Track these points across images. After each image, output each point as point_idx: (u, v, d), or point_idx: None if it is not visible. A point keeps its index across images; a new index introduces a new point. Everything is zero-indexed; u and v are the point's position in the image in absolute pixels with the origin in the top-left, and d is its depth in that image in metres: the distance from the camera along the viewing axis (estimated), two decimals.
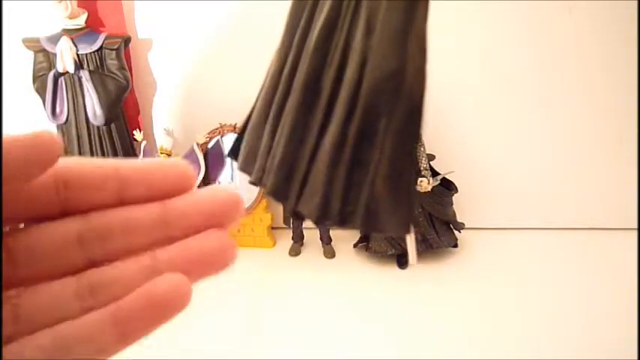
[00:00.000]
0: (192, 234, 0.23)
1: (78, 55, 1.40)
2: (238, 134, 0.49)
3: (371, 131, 0.39)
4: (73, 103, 1.42)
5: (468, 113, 1.51)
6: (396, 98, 0.39)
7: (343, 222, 0.40)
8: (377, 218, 0.39)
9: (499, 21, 1.44)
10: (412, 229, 0.42)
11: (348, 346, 1.09)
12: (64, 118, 1.43)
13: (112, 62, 1.43)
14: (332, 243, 1.52)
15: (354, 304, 1.25)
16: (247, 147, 0.47)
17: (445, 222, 1.41)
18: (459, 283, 1.29)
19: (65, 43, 1.37)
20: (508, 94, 1.48)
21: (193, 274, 0.24)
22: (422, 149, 1.38)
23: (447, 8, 1.43)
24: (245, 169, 0.47)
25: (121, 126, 1.49)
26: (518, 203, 1.55)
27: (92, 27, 1.44)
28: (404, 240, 1.39)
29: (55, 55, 1.38)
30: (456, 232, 1.43)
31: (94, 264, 0.21)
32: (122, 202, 0.22)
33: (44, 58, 1.42)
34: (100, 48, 1.41)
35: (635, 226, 1.49)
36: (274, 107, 0.45)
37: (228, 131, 1.55)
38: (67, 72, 1.39)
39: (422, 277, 1.35)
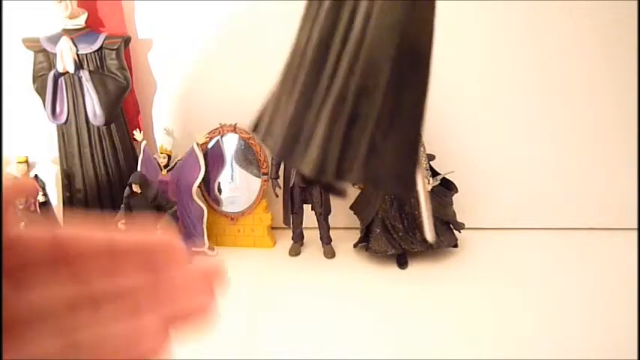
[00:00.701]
0: (179, 301, 0.25)
1: (78, 55, 1.40)
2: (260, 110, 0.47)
3: (371, 86, 0.37)
4: (73, 103, 1.42)
5: (468, 114, 1.51)
6: (398, 49, 0.36)
7: (339, 177, 0.38)
8: (376, 174, 0.38)
9: (499, 22, 1.44)
10: (425, 195, 0.40)
11: (348, 346, 1.09)
12: (64, 118, 1.43)
13: (112, 62, 1.43)
14: (332, 243, 1.52)
15: (354, 304, 1.25)
16: (267, 116, 0.46)
17: (445, 222, 1.41)
18: (459, 283, 1.29)
19: (65, 43, 1.37)
20: (508, 95, 1.48)
21: (175, 333, 0.25)
22: (422, 149, 1.38)
23: (447, 9, 1.43)
24: (264, 139, 0.46)
25: (121, 126, 1.49)
26: (518, 203, 1.56)
27: (92, 27, 1.44)
28: (404, 240, 1.39)
29: (55, 55, 1.38)
30: (455, 232, 1.43)
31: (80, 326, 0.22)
32: (114, 272, 0.23)
33: (44, 58, 1.42)
34: (100, 48, 1.41)
35: (635, 226, 1.49)
36: (291, 74, 0.44)
37: (228, 131, 1.55)
38: (67, 72, 1.39)
39: (422, 277, 1.35)
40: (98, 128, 1.44)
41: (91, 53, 1.41)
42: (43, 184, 1.43)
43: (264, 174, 1.54)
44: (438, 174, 1.40)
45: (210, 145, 1.57)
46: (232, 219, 1.59)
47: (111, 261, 0.24)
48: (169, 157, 1.49)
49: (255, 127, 0.45)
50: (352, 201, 1.50)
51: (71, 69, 1.38)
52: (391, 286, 1.32)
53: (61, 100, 1.42)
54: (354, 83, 0.38)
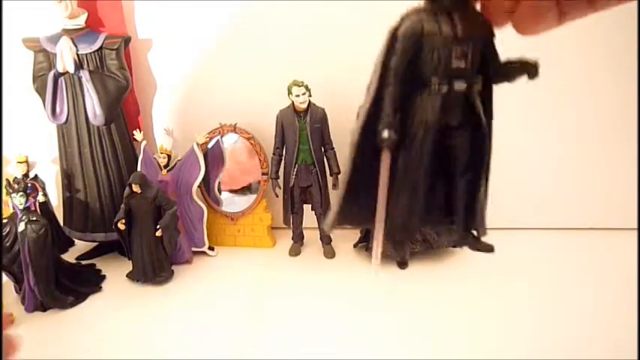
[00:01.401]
0: None
1: (78, 55, 1.40)
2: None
3: None
4: (73, 103, 1.42)
5: None
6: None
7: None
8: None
9: None
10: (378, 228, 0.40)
11: (348, 346, 1.09)
12: (64, 118, 1.43)
13: (112, 62, 1.43)
14: (332, 243, 1.52)
15: (354, 304, 1.25)
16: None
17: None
18: (459, 283, 1.29)
19: (65, 43, 1.37)
20: (508, 95, 1.48)
21: None
22: None
23: None
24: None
25: (121, 126, 1.49)
26: (518, 203, 1.55)
27: (92, 27, 1.44)
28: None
29: (55, 55, 1.38)
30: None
31: None
32: None
33: (44, 58, 1.41)
34: (100, 48, 1.41)
35: (635, 226, 1.49)
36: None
37: (228, 131, 1.55)
38: (67, 72, 1.39)
39: (422, 277, 1.35)
40: (98, 128, 1.44)
41: (91, 53, 1.41)
42: (43, 184, 1.43)
43: (264, 174, 1.54)
44: None
45: (210, 145, 1.57)
46: (232, 219, 1.59)
47: None
48: (169, 157, 1.49)
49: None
50: None
51: (71, 69, 1.38)
52: (391, 286, 1.32)
53: (61, 100, 1.42)
54: None
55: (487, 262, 1.39)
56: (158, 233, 1.35)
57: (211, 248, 1.55)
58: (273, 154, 1.45)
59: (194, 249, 1.53)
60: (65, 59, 1.37)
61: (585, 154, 1.51)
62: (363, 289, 1.32)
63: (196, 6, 1.50)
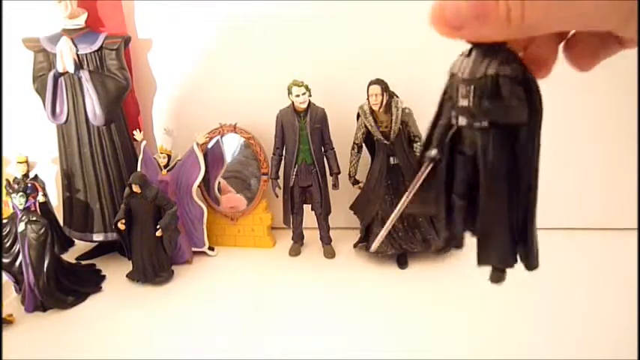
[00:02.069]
0: None
1: (78, 55, 1.40)
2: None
3: None
4: (73, 103, 1.42)
5: None
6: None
7: None
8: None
9: None
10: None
11: (348, 346, 1.09)
12: (64, 118, 1.42)
13: (111, 62, 1.43)
14: (332, 243, 1.52)
15: (354, 304, 1.24)
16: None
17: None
18: (459, 283, 1.29)
19: (65, 43, 1.37)
20: None
21: None
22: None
23: None
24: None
25: (121, 126, 1.49)
26: None
27: (92, 27, 1.44)
28: (404, 240, 1.39)
29: (55, 55, 1.38)
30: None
31: None
32: None
33: (44, 58, 1.41)
34: (100, 48, 1.41)
35: (635, 226, 1.49)
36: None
37: (228, 131, 1.55)
38: (67, 72, 1.39)
39: (422, 277, 1.35)
40: (98, 128, 1.44)
41: (91, 53, 1.41)
42: (43, 184, 1.43)
43: (264, 174, 1.54)
44: None
45: (210, 145, 1.57)
46: (232, 219, 1.59)
47: None
48: (169, 157, 1.49)
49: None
50: (352, 201, 1.50)
51: (71, 69, 1.38)
52: (391, 286, 1.32)
53: (61, 100, 1.42)
54: None
55: None
56: (158, 233, 1.35)
57: (211, 248, 1.55)
58: (273, 154, 1.45)
59: (194, 249, 1.53)
60: (65, 59, 1.37)
61: (585, 154, 1.51)
62: (363, 289, 1.32)
63: (196, 6, 1.50)
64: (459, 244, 0.49)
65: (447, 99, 0.44)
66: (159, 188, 1.37)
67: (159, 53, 1.58)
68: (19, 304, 1.28)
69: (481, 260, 0.47)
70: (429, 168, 0.45)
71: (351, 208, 1.50)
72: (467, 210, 0.45)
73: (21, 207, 1.26)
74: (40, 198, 1.37)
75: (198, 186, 1.51)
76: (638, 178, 1.45)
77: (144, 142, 1.48)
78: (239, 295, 1.32)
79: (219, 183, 1.63)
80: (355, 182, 1.45)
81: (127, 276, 1.40)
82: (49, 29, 1.41)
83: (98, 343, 1.14)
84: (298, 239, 1.54)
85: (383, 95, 1.32)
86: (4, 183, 1.30)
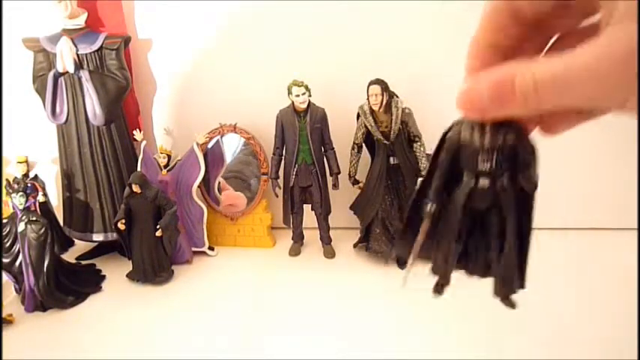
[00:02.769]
0: None
1: (78, 55, 1.40)
2: None
3: None
4: (73, 103, 1.42)
5: None
6: None
7: None
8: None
9: None
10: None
11: (348, 345, 1.09)
12: (64, 118, 1.42)
13: (111, 62, 1.43)
14: (332, 243, 1.52)
15: (354, 304, 1.25)
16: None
17: None
18: (458, 283, 1.29)
19: (65, 43, 1.37)
20: None
21: None
22: (422, 149, 1.38)
23: (448, 9, 1.43)
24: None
25: (121, 126, 1.49)
26: None
27: (92, 27, 1.44)
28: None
29: (55, 55, 1.38)
30: None
31: None
32: None
33: (44, 58, 1.41)
34: (100, 48, 1.41)
35: (635, 226, 1.49)
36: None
37: (228, 131, 1.55)
38: (67, 72, 1.39)
39: (422, 277, 1.35)
40: (98, 128, 1.44)
41: (90, 53, 1.41)
42: (43, 184, 1.43)
43: (264, 174, 1.54)
44: None
45: (210, 145, 1.57)
46: (232, 219, 1.59)
47: None
48: (169, 157, 1.49)
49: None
50: (352, 201, 1.50)
51: (71, 69, 1.38)
52: (391, 286, 1.32)
53: (61, 100, 1.42)
54: None
55: None
56: (158, 233, 1.35)
57: (211, 248, 1.55)
58: (273, 154, 1.45)
59: (194, 249, 1.53)
60: (65, 59, 1.37)
61: (585, 154, 1.51)
62: (363, 289, 1.32)
63: (196, 6, 1.50)
64: (448, 283, 0.58)
65: (447, 159, 0.53)
66: (159, 188, 1.37)
67: (159, 53, 1.58)
68: (19, 304, 1.28)
69: (500, 293, 0.56)
70: (428, 222, 0.53)
71: (351, 208, 1.50)
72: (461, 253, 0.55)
73: (21, 207, 1.26)
74: (40, 198, 1.37)
75: (198, 186, 1.51)
76: (638, 178, 1.45)
77: (144, 142, 1.48)
78: (239, 295, 1.32)
79: (219, 183, 1.63)
80: (355, 182, 1.45)
81: (127, 276, 1.40)
82: (49, 29, 1.41)
83: (98, 343, 1.14)
84: (298, 239, 1.54)
85: (383, 95, 1.32)
86: (4, 183, 1.30)
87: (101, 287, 1.38)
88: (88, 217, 1.49)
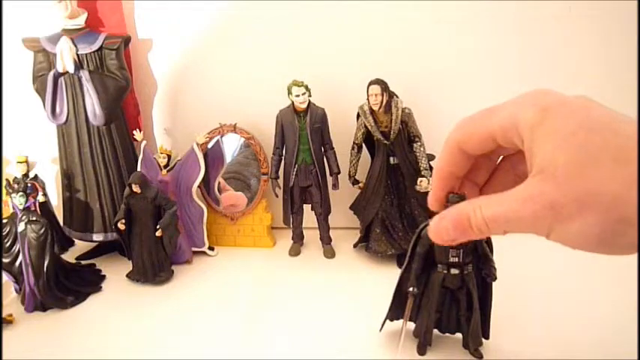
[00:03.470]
0: None
1: (78, 55, 1.40)
2: None
3: None
4: (73, 103, 1.42)
5: (469, 113, 1.50)
6: None
7: None
8: None
9: (501, 20, 1.44)
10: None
11: (348, 346, 1.09)
12: (64, 118, 1.42)
13: (111, 62, 1.43)
14: (332, 243, 1.52)
15: (354, 304, 1.25)
16: None
17: None
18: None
19: (65, 43, 1.37)
20: (509, 94, 1.48)
21: None
22: (422, 149, 1.38)
23: (448, 10, 1.43)
24: None
25: (121, 126, 1.48)
26: None
27: (92, 27, 1.44)
28: (404, 240, 1.39)
29: (55, 55, 1.38)
30: None
31: None
32: None
33: (44, 58, 1.41)
34: (100, 48, 1.41)
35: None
36: None
37: (228, 131, 1.55)
38: (67, 72, 1.39)
39: None
40: (98, 128, 1.44)
41: (90, 53, 1.41)
42: (43, 184, 1.43)
43: (264, 174, 1.54)
44: None
45: (210, 145, 1.57)
46: (232, 219, 1.59)
47: None
48: (169, 157, 1.49)
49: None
50: (352, 201, 1.50)
51: (71, 69, 1.38)
52: (391, 286, 1.31)
53: (61, 100, 1.42)
54: None
55: None
56: (158, 233, 1.35)
57: (211, 248, 1.55)
58: (273, 154, 1.45)
59: (194, 249, 1.53)
60: (65, 59, 1.37)
61: None
62: (363, 289, 1.32)
63: (196, 6, 1.50)
64: (429, 344, 0.90)
65: (424, 252, 0.86)
66: (159, 188, 1.37)
67: (159, 53, 1.58)
68: (19, 304, 1.28)
69: (475, 345, 0.94)
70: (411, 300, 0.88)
71: (351, 208, 1.50)
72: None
73: (21, 207, 1.26)
74: (40, 198, 1.37)
75: (198, 186, 1.51)
76: (638, 177, 1.45)
77: (144, 142, 1.48)
78: (239, 295, 1.32)
79: (219, 183, 1.63)
80: (355, 182, 1.45)
81: (127, 276, 1.40)
82: (49, 29, 1.41)
83: (98, 343, 1.14)
84: (298, 239, 1.54)
85: (383, 95, 1.32)
86: (4, 183, 1.30)
87: (101, 287, 1.38)
88: (88, 217, 1.49)
